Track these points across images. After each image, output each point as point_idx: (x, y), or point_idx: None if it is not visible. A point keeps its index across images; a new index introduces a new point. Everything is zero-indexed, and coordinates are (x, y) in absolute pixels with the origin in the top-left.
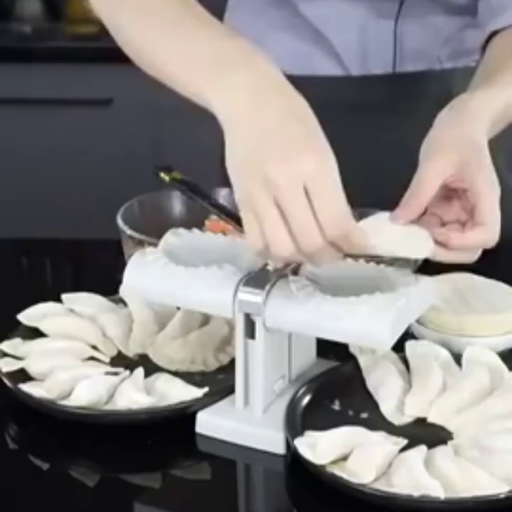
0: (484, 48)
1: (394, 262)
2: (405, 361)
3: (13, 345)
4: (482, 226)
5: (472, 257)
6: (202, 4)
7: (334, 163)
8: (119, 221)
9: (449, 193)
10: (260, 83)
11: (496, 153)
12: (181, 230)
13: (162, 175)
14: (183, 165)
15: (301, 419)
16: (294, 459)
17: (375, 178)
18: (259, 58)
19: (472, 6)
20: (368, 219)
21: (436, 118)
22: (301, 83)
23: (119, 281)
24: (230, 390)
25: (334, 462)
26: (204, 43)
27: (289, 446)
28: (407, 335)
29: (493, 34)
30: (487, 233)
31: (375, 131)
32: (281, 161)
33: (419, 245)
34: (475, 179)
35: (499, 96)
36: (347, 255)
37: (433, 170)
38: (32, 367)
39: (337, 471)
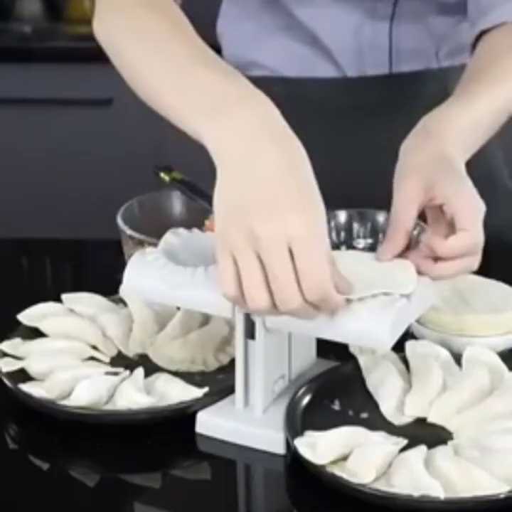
0: (475, 46)
1: None
2: (405, 361)
3: (13, 345)
4: (463, 231)
5: (468, 266)
6: (195, 8)
7: (324, 220)
8: (119, 221)
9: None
10: (257, 126)
11: (493, 152)
12: (181, 230)
13: (162, 175)
14: (183, 165)
15: (301, 419)
16: (294, 459)
17: (373, 179)
18: (259, 100)
19: (464, 4)
20: (343, 254)
21: (402, 145)
22: (298, 85)
23: (119, 281)
24: (230, 390)
25: (334, 462)
26: (204, 79)
27: (289, 446)
28: (407, 335)
29: (484, 33)
30: (470, 237)
31: (372, 131)
32: (268, 217)
33: (405, 278)
34: (446, 193)
35: (467, 110)
36: None
37: (405, 200)
38: (32, 367)
39: (337, 471)
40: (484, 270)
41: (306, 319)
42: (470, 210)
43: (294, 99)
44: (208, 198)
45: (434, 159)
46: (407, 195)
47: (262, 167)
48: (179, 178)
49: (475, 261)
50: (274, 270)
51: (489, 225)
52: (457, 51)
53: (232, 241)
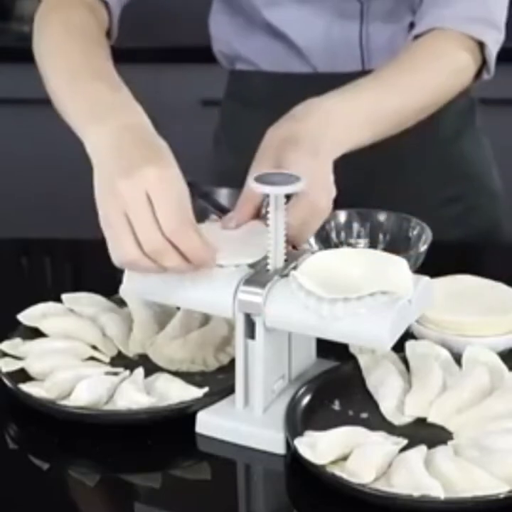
0: None
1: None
2: (405, 361)
3: (13, 345)
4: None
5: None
6: (189, 6)
7: (179, 175)
8: None
9: None
10: (124, 131)
11: (483, 154)
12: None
13: None
14: (182, 165)
15: (301, 419)
16: (294, 459)
17: (347, 171)
18: (130, 112)
19: None
20: (335, 252)
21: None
22: (276, 80)
23: (119, 281)
24: (230, 390)
25: (334, 462)
26: (92, 94)
27: (289, 446)
28: (407, 335)
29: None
30: (307, 202)
31: None
32: (126, 174)
33: (399, 276)
34: (293, 171)
35: (339, 100)
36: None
37: (251, 174)
38: (32, 367)
39: (337, 471)
40: (484, 270)
41: (177, 271)
42: (315, 186)
43: (274, 93)
44: (207, 198)
45: (287, 140)
46: (254, 170)
47: (125, 145)
48: None
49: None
50: (135, 214)
51: (476, 226)
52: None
53: (105, 210)
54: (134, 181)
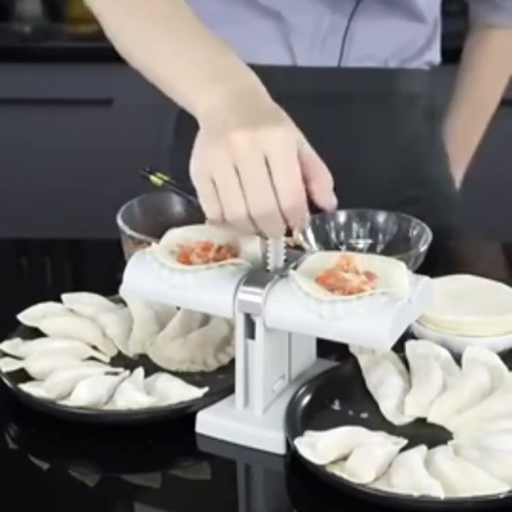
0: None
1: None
2: (405, 361)
3: (13, 345)
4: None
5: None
6: None
7: (302, 141)
8: (119, 221)
9: None
10: (242, 92)
11: (439, 158)
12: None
13: (153, 178)
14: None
15: (301, 419)
16: (294, 459)
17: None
18: (245, 74)
19: (430, 16)
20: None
21: None
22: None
23: (119, 281)
24: (230, 390)
25: (334, 462)
26: (201, 55)
27: (289, 446)
28: (407, 335)
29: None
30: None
31: (318, 123)
32: (246, 128)
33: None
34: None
35: None
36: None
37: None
38: (32, 367)
39: (337, 471)
40: (484, 271)
41: (275, 234)
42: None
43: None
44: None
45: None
46: None
47: (244, 103)
48: (166, 179)
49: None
50: (249, 174)
51: (432, 227)
52: (410, 59)
53: (210, 160)
54: (254, 137)
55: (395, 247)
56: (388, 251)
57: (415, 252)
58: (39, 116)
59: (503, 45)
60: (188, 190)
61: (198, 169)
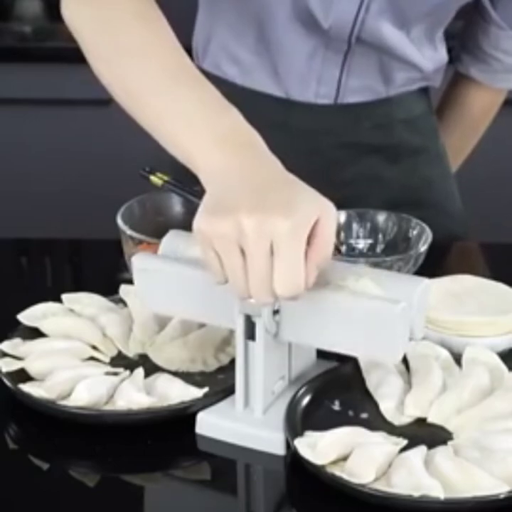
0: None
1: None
2: (405, 361)
3: (13, 345)
4: None
5: None
6: (172, 4)
7: (309, 222)
8: (119, 221)
9: None
10: (243, 152)
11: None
12: (182, 232)
13: (153, 178)
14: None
15: (301, 420)
16: (294, 459)
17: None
18: (248, 132)
19: (427, 66)
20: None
21: None
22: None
23: (119, 281)
24: (230, 390)
25: (334, 462)
26: (200, 112)
27: (289, 446)
28: None
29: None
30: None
31: (314, 154)
32: (257, 212)
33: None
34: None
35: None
36: None
37: None
38: (32, 367)
39: (337, 471)
40: (484, 270)
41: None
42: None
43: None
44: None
45: None
46: None
47: (261, 174)
48: (166, 179)
49: None
50: (253, 262)
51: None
52: (405, 84)
53: (217, 233)
54: (262, 224)
55: (395, 247)
56: (388, 251)
57: (415, 252)
58: (39, 116)
59: (482, 103)
60: (188, 190)
61: (203, 235)
